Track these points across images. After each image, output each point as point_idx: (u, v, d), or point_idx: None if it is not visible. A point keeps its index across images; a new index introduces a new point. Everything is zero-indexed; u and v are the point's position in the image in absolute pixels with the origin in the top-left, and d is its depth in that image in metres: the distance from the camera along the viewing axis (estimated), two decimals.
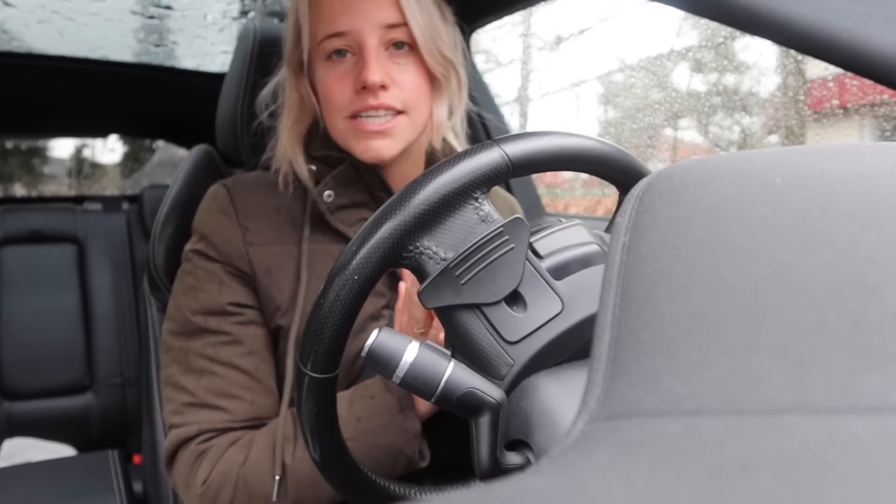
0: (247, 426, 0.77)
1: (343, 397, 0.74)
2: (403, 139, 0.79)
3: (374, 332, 0.49)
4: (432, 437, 0.75)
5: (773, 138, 1.53)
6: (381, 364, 0.48)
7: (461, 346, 0.50)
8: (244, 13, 1.67)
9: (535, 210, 1.47)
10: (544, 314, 0.49)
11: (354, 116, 0.78)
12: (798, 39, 0.53)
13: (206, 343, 0.79)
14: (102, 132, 2.95)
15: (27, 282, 1.99)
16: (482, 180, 0.50)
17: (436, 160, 0.88)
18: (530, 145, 0.51)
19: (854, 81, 1.22)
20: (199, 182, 1.11)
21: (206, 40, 1.84)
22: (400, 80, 0.78)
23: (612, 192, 0.60)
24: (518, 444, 0.47)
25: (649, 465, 0.16)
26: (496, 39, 2.08)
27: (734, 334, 0.19)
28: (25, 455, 1.79)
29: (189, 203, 1.09)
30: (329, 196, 0.82)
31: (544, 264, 0.50)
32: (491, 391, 0.48)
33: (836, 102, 1.28)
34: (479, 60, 1.38)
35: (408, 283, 0.71)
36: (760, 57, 1.52)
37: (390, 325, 0.81)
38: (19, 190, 4.60)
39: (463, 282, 0.48)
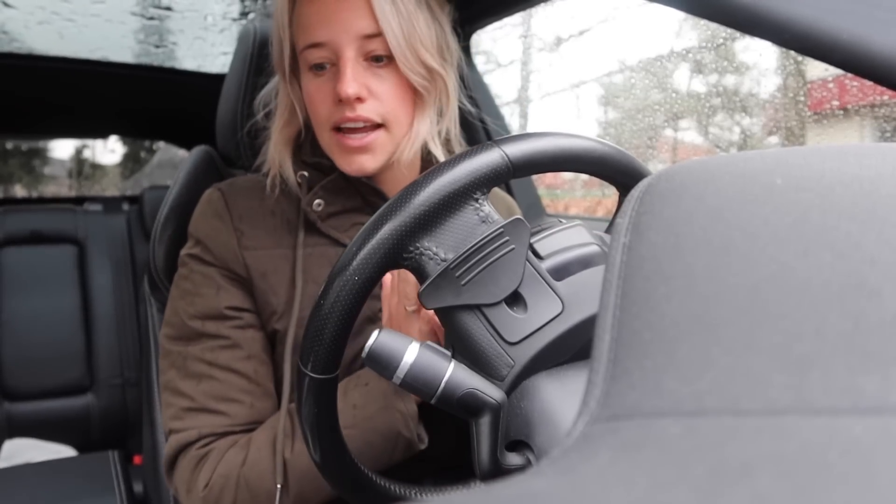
0: (247, 430, 0.77)
1: (338, 388, 0.73)
2: (385, 152, 0.78)
3: (375, 333, 0.49)
4: (432, 439, 0.75)
5: (774, 139, 1.53)
6: (381, 365, 0.48)
7: (461, 347, 0.50)
8: (244, 14, 1.67)
9: (535, 211, 1.47)
10: (545, 315, 0.49)
11: (337, 129, 0.77)
12: (798, 40, 0.53)
13: (204, 347, 0.78)
14: (103, 133, 2.95)
15: (27, 282, 1.99)
16: (482, 181, 0.50)
17: (432, 164, 0.88)
18: (530, 146, 0.51)
19: (854, 82, 1.22)
20: (200, 183, 1.11)
21: (206, 41, 1.84)
22: (378, 92, 0.76)
23: (612, 192, 0.60)
24: (518, 445, 0.47)
25: (650, 465, 0.16)
26: (496, 40, 2.08)
27: (735, 335, 0.19)
28: (26, 456, 1.79)
29: (189, 204, 1.09)
30: (319, 205, 0.81)
31: (545, 265, 0.50)
32: (491, 392, 0.48)
33: (836, 103, 1.28)
34: (480, 61, 1.38)
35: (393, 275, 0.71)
36: (760, 58, 1.52)
37: None
38: (20, 191, 4.60)
39: (463, 282, 0.48)
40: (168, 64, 2.03)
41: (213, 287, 0.80)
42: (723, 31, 1.42)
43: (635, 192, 0.27)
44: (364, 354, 0.49)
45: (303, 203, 0.81)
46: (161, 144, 3.76)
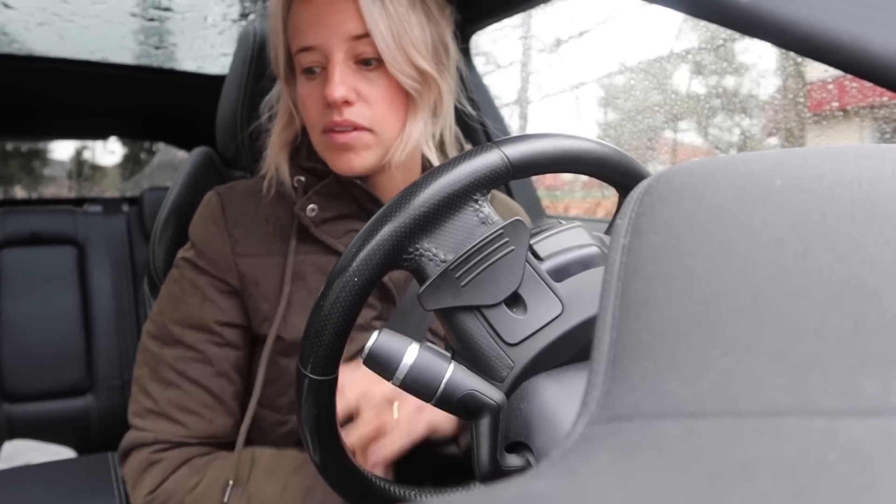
0: (201, 443, 0.80)
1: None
2: (373, 154, 0.78)
3: (374, 334, 0.49)
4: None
5: (773, 140, 1.53)
6: (380, 366, 0.48)
7: (461, 348, 0.50)
8: (244, 15, 1.67)
9: (535, 212, 1.47)
10: (544, 316, 0.48)
11: (326, 131, 0.77)
12: (798, 42, 0.53)
13: (177, 356, 0.80)
14: (102, 134, 2.95)
15: (27, 284, 1.99)
16: (482, 182, 0.50)
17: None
18: (530, 147, 0.51)
19: (854, 84, 1.22)
20: (199, 184, 1.11)
21: (206, 42, 1.84)
22: (368, 96, 0.76)
23: (611, 194, 0.60)
24: (518, 447, 0.47)
25: (650, 467, 0.16)
26: (496, 42, 2.08)
27: (734, 336, 0.19)
28: (25, 457, 1.79)
29: (189, 205, 1.09)
30: (313, 210, 0.81)
31: (544, 266, 0.50)
32: (491, 393, 0.47)
33: (835, 105, 1.28)
34: (479, 63, 1.38)
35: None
36: (760, 59, 1.52)
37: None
38: (19, 192, 4.60)
39: (463, 284, 0.48)
40: (168, 65, 2.03)
41: (198, 297, 0.81)
42: (722, 33, 1.42)
43: (635, 194, 0.27)
44: (363, 356, 0.49)
45: (296, 208, 0.81)
46: (161, 146, 3.76)
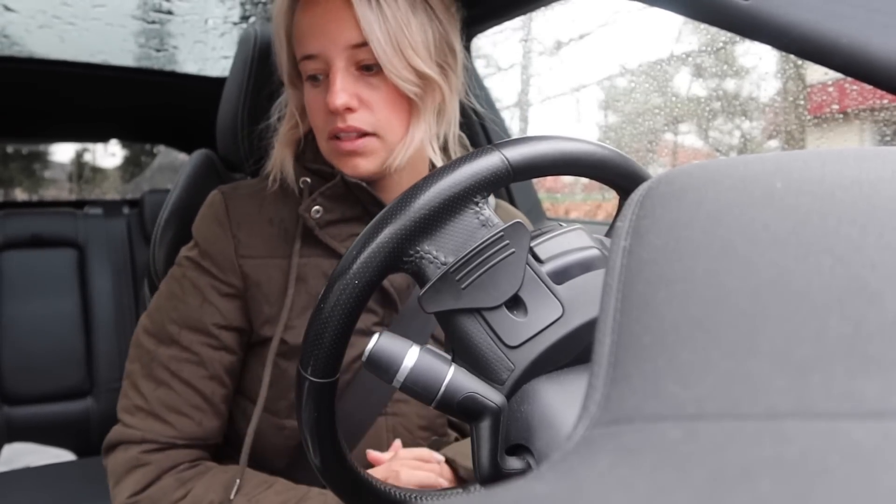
0: (188, 445, 0.80)
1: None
2: (378, 158, 0.78)
3: (375, 337, 0.49)
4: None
5: (774, 143, 1.53)
6: (381, 369, 0.48)
7: (461, 351, 0.50)
8: (245, 18, 1.67)
9: (535, 214, 1.47)
10: (545, 318, 0.48)
11: (332, 137, 0.78)
12: (798, 44, 0.53)
13: (171, 356, 0.80)
14: (103, 137, 2.95)
15: (27, 286, 1.99)
16: (482, 185, 0.50)
17: None
18: (530, 150, 0.51)
19: (854, 86, 1.22)
20: (200, 187, 1.11)
21: (206, 45, 1.85)
22: (370, 101, 0.76)
23: (612, 196, 0.60)
24: (519, 449, 0.47)
25: (650, 470, 0.16)
26: (496, 44, 2.08)
27: (735, 339, 0.19)
28: (25, 460, 1.79)
29: (189, 207, 1.09)
30: (317, 212, 0.81)
31: (545, 268, 0.50)
32: (491, 396, 0.47)
33: (835, 107, 1.28)
34: (480, 65, 1.38)
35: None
36: (760, 62, 1.52)
37: None
38: (20, 194, 4.60)
39: (463, 286, 0.48)
40: (169, 67, 2.03)
41: (198, 298, 0.81)
42: (723, 35, 1.42)
43: (635, 196, 0.27)
44: (364, 358, 0.49)
45: (301, 209, 0.81)
46: (161, 148, 3.76)
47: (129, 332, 2.06)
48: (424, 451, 0.77)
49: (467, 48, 1.29)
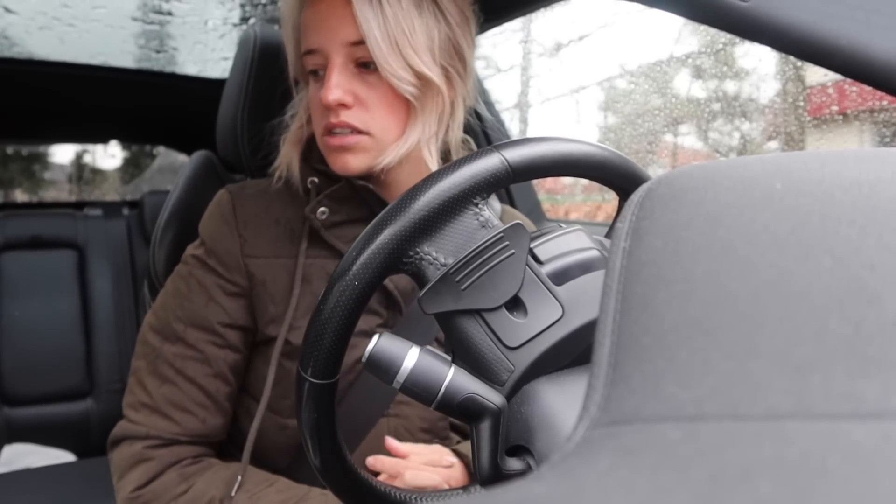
0: (192, 442, 0.81)
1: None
2: (369, 156, 0.77)
3: (375, 338, 0.49)
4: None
5: (773, 144, 1.53)
6: (381, 370, 0.48)
7: (461, 352, 0.50)
8: (245, 20, 1.67)
9: (535, 215, 1.47)
10: (545, 320, 0.48)
11: (325, 133, 0.78)
12: (797, 45, 0.53)
13: (177, 353, 0.81)
14: (103, 138, 2.96)
15: (27, 287, 1.99)
16: (482, 186, 0.50)
17: None
18: (530, 151, 0.51)
19: (853, 87, 1.22)
20: (200, 188, 1.11)
21: (206, 46, 1.85)
22: (366, 100, 0.76)
23: (612, 197, 0.60)
24: (519, 450, 0.47)
25: (650, 470, 0.16)
26: (496, 45, 2.08)
27: (735, 340, 0.19)
28: (25, 461, 1.79)
29: (189, 209, 1.09)
30: (323, 213, 0.81)
31: (545, 270, 0.50)
32: (491, 397, 0.47)
33: (835, 108, 1.28)
34: (480, 66, 1.38)
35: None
36: (760, 63, 1.52)
37: None
38: (20, 195, 4.60)
39: (463, 287, 0.48)
40: (168, 69, 2.03)
41: (204, 296, 0.81)
42: (722, 37, 1.42)
43: (635, 197, 0.27)
44: (364, 359, 0.49)
45: (306, 210, 0.81)
46: (161, 149, 3.77)
47: (129, 333, 2.07)
48: (436, 454, 0.77)
49: None
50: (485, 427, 0.47)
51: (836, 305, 0.19)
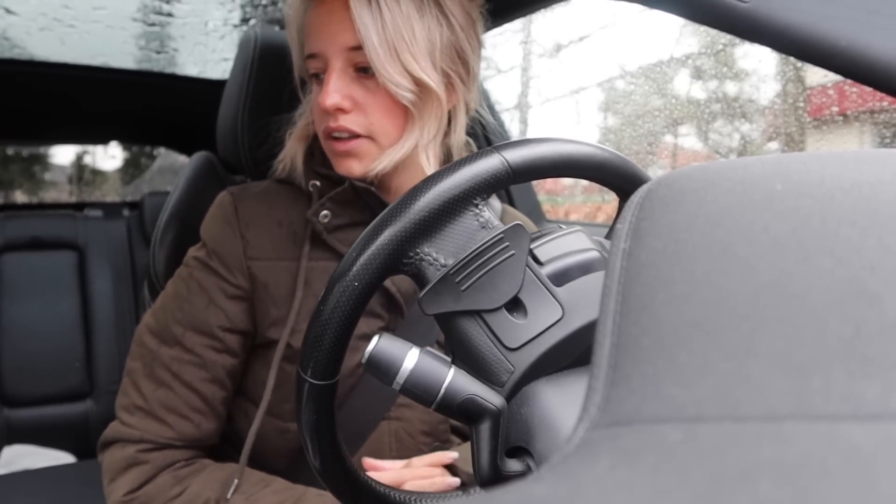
0: (186, 446, 0.80)
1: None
2: (370, 159, 0.78)
3: (375, 339, 0.49)
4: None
5: (773, 145, 1.53)
6: (380, 371, 0.48)
7: (461, 353, 0.50)
8: (245, 21, 1.67)
9: (535, 216, 1.47)
10: (545, 321, 0.48)
11: (327, 137, 0.78)
12: (797, 46, 0.53)
13: (174, 357, 0.80)
14: (103, 139, 2.96)
15: (27, 288, 1.99)
16: (482, 187, 0.50)
17: None
18: (530, 152, 0.51)
19: (853, 88, 1.22)
20: (200, 189, 1.11)
21: (206, 47, 1.85)
22: (364, 104, 0.76)
23: (612, 198, 0.60)
24: (518, 451, 0.47)
25: (650, 472, 0.16)
26: (496, 46, 2.08)
27: (734, 341, 0.19)
28: (25, 462, 1.79)
29: (190, 210, 1.09)
30: (325, 217, 0.81)
31: (545, 270, 0.50)
32: (491, 398, 0.47)
33: (835, 109, 1.28)
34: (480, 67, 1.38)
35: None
36: (760, 64, 1.52)
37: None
38: (20, 196, 4.60)
39: (463, 288, 0.48)
40: (169, 70, 2.04)
41: (204, 300, 0.81)
42: (722, 38, 1.42)
43: (635, 198, 0.27)
44: (364, 360, 0.49)
45: (309, 213, 0.81)
46: (161, 150, 3.77)
47: (129, 334, 2.06)
48: (435, 457, 0.77)
49: None
50: (484, 428, 0.47)
51: (836, 306, 0.19)
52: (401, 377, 0.48)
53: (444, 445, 0.86)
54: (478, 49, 0.82)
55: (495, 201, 0.97)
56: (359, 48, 0.73)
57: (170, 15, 1.59)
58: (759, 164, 0.26)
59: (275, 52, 1.01)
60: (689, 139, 1.80)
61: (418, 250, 0.49)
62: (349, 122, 0.75)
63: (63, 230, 2.09)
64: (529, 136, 0.53)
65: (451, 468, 0.78)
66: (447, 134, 0.82)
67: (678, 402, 0.19)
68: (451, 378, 0.48)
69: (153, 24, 1.65)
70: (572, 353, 0.49)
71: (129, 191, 4.46)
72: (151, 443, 0.78)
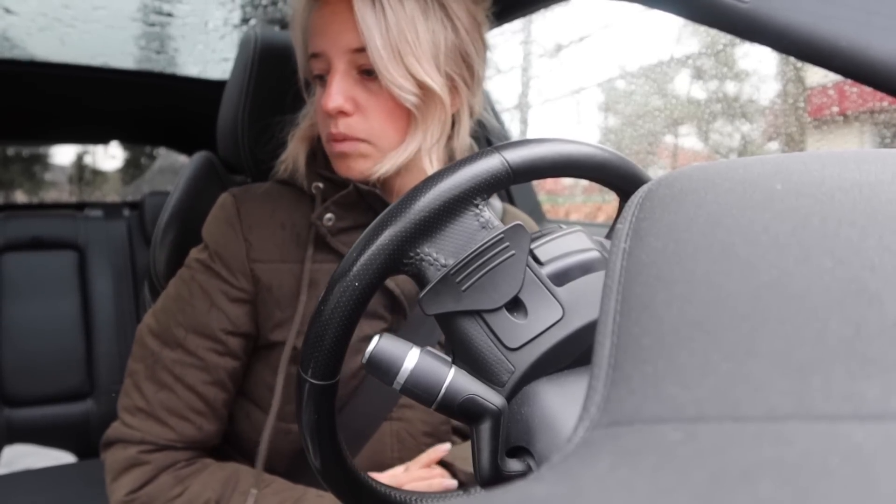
0: (187, 448, 0.80)
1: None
2: (371, 162, 0.77)
3: (375, 339, 0.49)
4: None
5: (773, 145, 1.53)
6: (381, 371, 0.48)
7: (462, 353, 0.50)
8: (245, 21, 1.67)
9: (535, 217, 1.47)
10: (545, 321, 0.48)
11: (328, 139, 0.78)
12: (797, 47, 0.53)
13: (176, 360, 0.80)
14: (103, 139, 2.96)
15: (28, 288, 1.99)
16: (482, 187, 0.50)
17: None
18: (530, 152, 0.51)
19: (854, 88, 1.22)
20: (200, 189, 1.11)
21: (207, 48, 1.85)
22: (366, 107, 0.75)
23: (612, 198, 0.60)
24: (519, 451, 0.47)
25: (650, 471, 0.16)
26: (496, 46, 2.08)
27: (735, 341, 0.19)
28: (25, 462, 1.79)
29: (190, 210, 1.09)
30: (329, 219, 0.81)
31: (545, 270, 0.50)
32: (492, 398, 0.47)
33: (835, 109, 1.28)
34: None
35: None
36: (760, 64, 1.52)
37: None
38: (20, 197, 4.60)
39: (463, 288, 0.48)
40: (169, 70, 2.04)
41: (206, 302, 0.81)
42: (723, 38, 1.42)
43: (635, 198, 0.27)
44: (364, 360, 0.49)
45: (313, 216, 0.81)
46: (162, 150, 3.77)
47: (130, 334, 2.07)
48: (430, 453, 0.77)
49: None
50: (485, 428, 0.47)
51: (836, 306, 0.19)
52: (401, 377, 0.48)
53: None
54: (483, 52, 0.82)
55: (496, 201, 0.96)
56: (362, 50, 0.73)
57: (170, 15, 1.59)
58: (759, 164, 0.26)
59: (275, 52, 1.01)
60: (689, 139, 1.80)
61: (419, 250, 0.49)
62: (350, 127, 0.75)
63: (63, 230, 2.09)
64: (530, 136, 0.54)
65: (450, 469, 0.78)
66: (451, 137, 0.82)
67: (679, 401, 0.19)
68: (452, 378, 0.48)
69: (153, 24, 1.65)
70: (573, 353, 0.49)
71: (130, 191, 4.46)
72: (153, 444, 0.78)
